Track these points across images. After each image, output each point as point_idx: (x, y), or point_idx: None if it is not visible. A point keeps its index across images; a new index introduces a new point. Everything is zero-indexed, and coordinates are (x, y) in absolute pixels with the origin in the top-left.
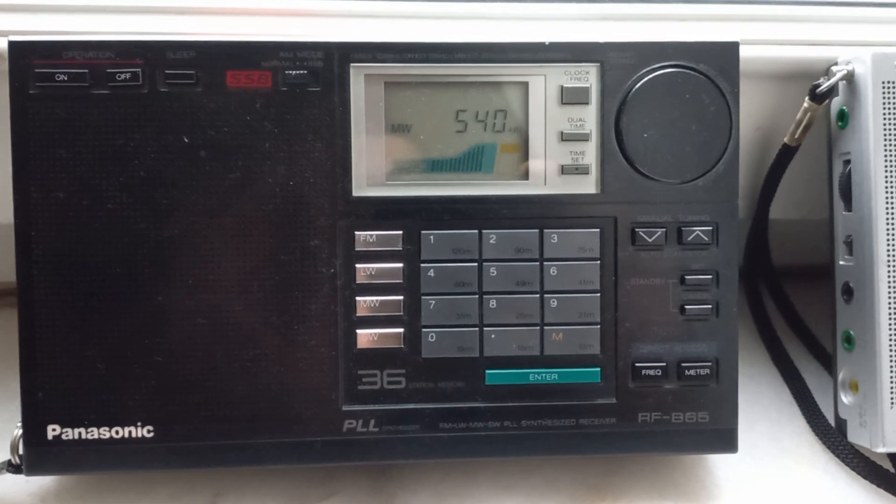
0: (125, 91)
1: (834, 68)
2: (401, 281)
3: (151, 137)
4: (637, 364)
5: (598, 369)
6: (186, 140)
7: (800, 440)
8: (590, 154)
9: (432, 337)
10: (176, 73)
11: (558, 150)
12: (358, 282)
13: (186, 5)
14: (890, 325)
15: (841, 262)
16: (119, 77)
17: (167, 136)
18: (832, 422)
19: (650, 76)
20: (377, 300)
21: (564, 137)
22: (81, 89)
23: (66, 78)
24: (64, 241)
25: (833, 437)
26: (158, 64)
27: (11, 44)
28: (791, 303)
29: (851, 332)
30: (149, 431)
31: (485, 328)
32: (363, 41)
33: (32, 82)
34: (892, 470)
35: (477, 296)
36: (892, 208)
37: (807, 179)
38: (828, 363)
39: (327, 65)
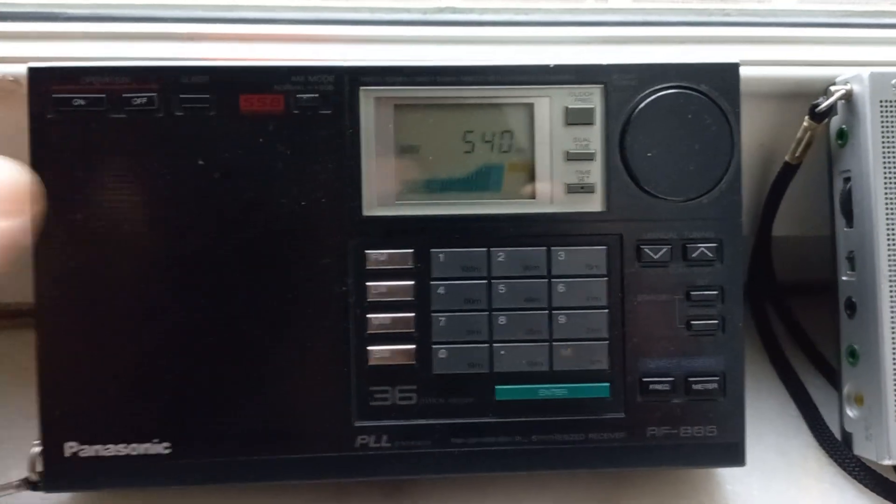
0: (141, 115)
1: (832, 88)
2: (412, 298)
3: (166, 160)
4: (645, 379)
5: (607, 384)
6: (201, 162)
7: (807, 453)
8: (595, 173)
9: (443, 353)
10: (190, 97)
11: (564, 170)
12: (369, 299)
13: (200, 31)
14: (893, 338)
15: (843, 278)
16: (135, 102)
17: (182, 158)
18: (838, 435)
19: (653, 97)
20: (388, 317)
21: (570, 157)
22: (98, 114)
23: (83, 103)
24: (80, 261)
25: (839, 450)
26: (173, 89)
27: (31, 70)
28: (795, 318)
29: (856, 347)
30: (166, 448)
31: (494, 344)
32: (372, 65)
33: (51, 107)
34: None
35: (486, 313)
36: (893, 224)
37: (809, 196)
38: (832, 377)
39: (338, 88)
